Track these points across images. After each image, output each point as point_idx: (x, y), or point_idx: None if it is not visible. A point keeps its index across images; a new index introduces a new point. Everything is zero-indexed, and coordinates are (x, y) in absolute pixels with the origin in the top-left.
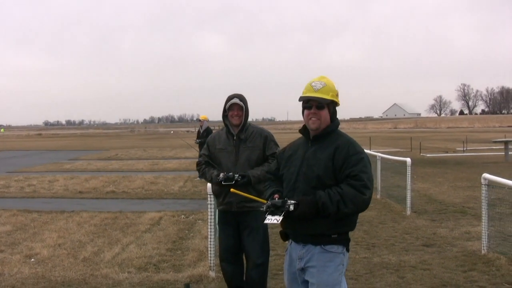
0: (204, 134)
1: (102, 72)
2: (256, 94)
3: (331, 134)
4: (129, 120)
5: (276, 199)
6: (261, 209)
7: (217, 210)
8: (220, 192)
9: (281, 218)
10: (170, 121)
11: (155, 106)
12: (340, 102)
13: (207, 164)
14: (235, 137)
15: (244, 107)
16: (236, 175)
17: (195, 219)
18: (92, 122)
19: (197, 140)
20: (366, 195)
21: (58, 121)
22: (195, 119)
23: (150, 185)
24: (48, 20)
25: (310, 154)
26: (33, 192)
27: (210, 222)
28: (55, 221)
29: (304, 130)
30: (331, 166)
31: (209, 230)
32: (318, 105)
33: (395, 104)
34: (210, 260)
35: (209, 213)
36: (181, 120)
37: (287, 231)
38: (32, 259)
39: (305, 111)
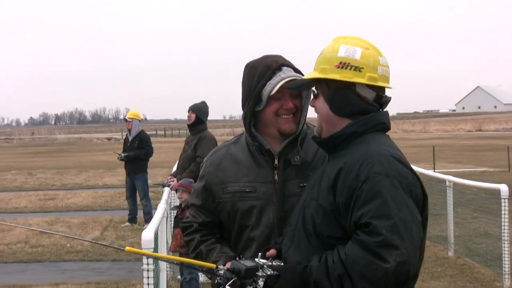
0: (135, 143)
1: None
2: (229, 78)
3: (352, 140)
4: (4, 120)
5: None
6: (216, 280)
7: None
8: None
9: None
10: (77, 120)
11: (50, 96)
12: (357, 78)
13: (204, 231)
14: (277, 162)
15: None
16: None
17: None
18: None
19: (122, 155)
20: (389, 263)
21: None
22: (121, 117)
23: (40, 237)
24: None
25: (319, 177)
26: None
27: None
28: None
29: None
30: (331, 204)
31: None
32: (314, 93)
33: (478, 87)
34: None
35: (145, 286)
36: (97, 120)
37: None
38: None
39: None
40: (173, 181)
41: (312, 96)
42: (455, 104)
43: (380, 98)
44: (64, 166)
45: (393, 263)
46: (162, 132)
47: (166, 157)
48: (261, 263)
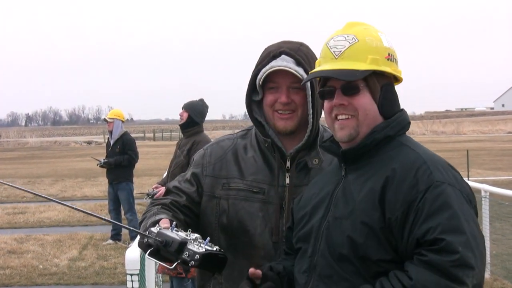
0: (117, 147)
1: None
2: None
3: (383, 146)
4: None
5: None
6: (144, 240)
7: None
8: (203, 273)
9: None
10: (52, 121)
11: (19, 93)
12: (401, 73)
13: (172, 207)
14: (289, 164)
15: (308, 82)
16: (202, 245)
17: None
18: None
19: (101, 160)
20: (467, 286)
21: None
22: (103, 117)
23: (8, 257)
24: None
25: (340, 192)
26: None
27: None
28: None
29: (331, 142)
30: (378, 219)
31: None
32: (346, 86)
33: None
34: None
35: None
36: (75, 120)
37: None
38: None
39: (325, 103)
40: (159, 190)
41: (339, 91)
42: (494, 101)
43: None
44: (37, 175)
45: (471, 287)
46: (151, 135)
47: (155, 164)
48: (194, 237)
